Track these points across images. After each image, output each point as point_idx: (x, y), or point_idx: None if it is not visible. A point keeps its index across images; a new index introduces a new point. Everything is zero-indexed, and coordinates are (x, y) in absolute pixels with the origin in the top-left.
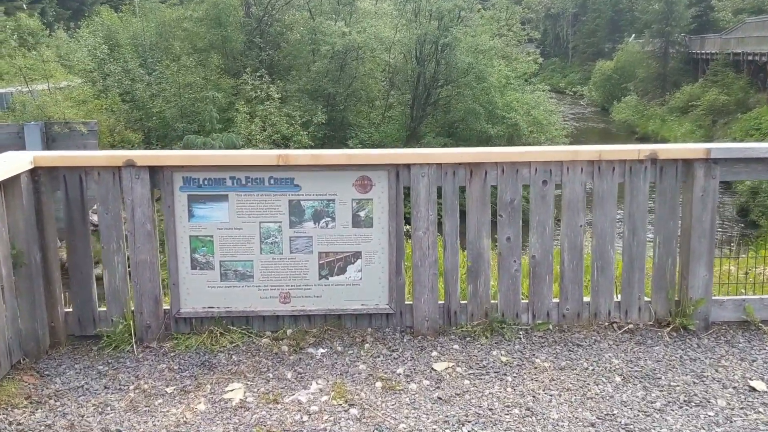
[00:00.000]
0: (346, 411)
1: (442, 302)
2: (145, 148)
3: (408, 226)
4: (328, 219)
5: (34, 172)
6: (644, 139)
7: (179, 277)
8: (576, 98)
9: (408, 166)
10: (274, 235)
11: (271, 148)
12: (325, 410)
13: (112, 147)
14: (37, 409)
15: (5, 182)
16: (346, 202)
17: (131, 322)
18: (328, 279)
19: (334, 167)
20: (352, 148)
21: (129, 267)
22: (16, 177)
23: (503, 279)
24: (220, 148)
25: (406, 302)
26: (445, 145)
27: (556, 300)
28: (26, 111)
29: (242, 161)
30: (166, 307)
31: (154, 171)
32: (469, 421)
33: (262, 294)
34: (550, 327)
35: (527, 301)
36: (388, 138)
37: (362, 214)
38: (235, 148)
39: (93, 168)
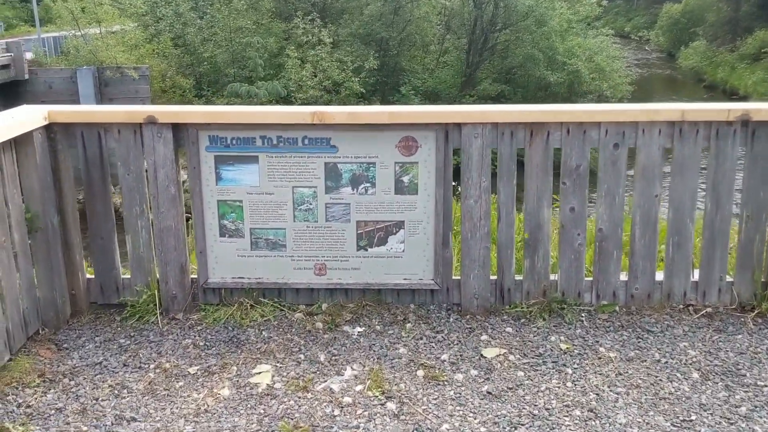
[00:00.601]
0: (382, 405)
1: (494, 278)
2: (196, 94)
3: (457, 193)
4: (368, 184)
5: (49, 129)
6: (712, 87)
7: (207, 245)
8: (641, 43)
9: (459, 125)
10: (309, 201)
11: (321, 95)
12: (359, 403)
13: (164, 92)
14: (49, 389)
15: (17, 140)
16: (389, 166)
17: (156, 292)
18: (367, 250)
19: (375, 127)
20: (404, 94)
21: (153, 233)
22: (29, 134)
23: (565, 253)
24: (264, 97)
25: (454, 277)
26: (501, 93)
27: (624, 278)
28: (79, 55)
29: (273, 119)
30: (193, 276)
31: (178, 129)
32: (522, 424)
33: (296, 265)
34: (617, 309)
35: (591, 278)
36: (443, 84)
37: (406, 179)
38: (279, 97)
39: (112, 125)
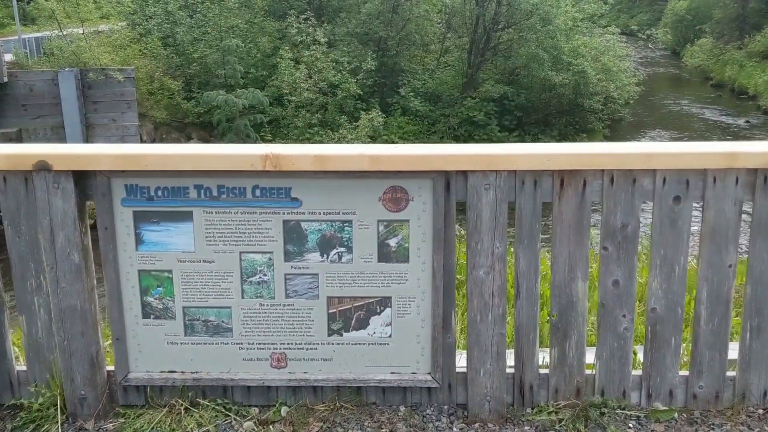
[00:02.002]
0: None
1: (512, 371)
2: (186, 97)
3: (461, 262)
4: (342, 249)
5: None
6: (720, 86)
7: (126, 329)
8: (649, 42)
9: (464, 173)
10: (262, 271)
11: (317, 97)
12: None
13: (151, 95)
14: None
15: None
16: (370, 225)
17: (58, 392)
18: (342, 335)
19: (351, 174)
20: (404, 96)
21: (54, 314)
22: None
23: (605, 340)
24: (244, 107)
25: (458, 370)
26: (504, 94)
27: (685, 373)
28: (62, 56)
29: (212, 163)
30: (110, 369)
31: (84, 177)
32: None
33: (246, 355)
34: (675, 416)
35: (641, 373)
36: (444, 86)
37: (393, 242)
38: (261, 105)
39: None
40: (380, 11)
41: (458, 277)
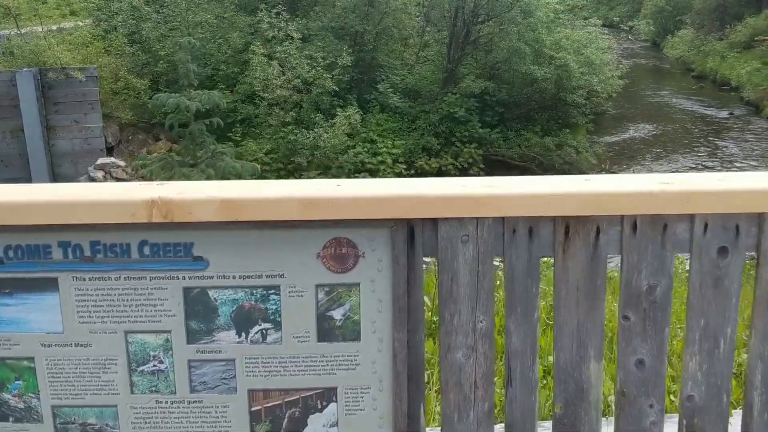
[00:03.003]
0: None
1: None
2: (152, 96)
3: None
4: (268, 325)
5: None
6: (701, 77)
7: None
8: (630, 33)
9: (434, 220)
10: (158, 357)
11: (290, 95)
12: None
13: (115, 94)
14: None
15: None
16: (304, 292)
17: None
18: None
19: (274, 225)
20: (382, 92)
21: None
22: None
23: None
24: (197, 110)
25: None
26: (485, 89)
27: None
28: (20, 56)
29: (79, 214)
30: None
31: None
32: None
33: None
34: None
35: None
36: (423, 81)
37: (338, 314)
38: (218, 108)
39: None
40: (356, 4)
41: (430, 356)
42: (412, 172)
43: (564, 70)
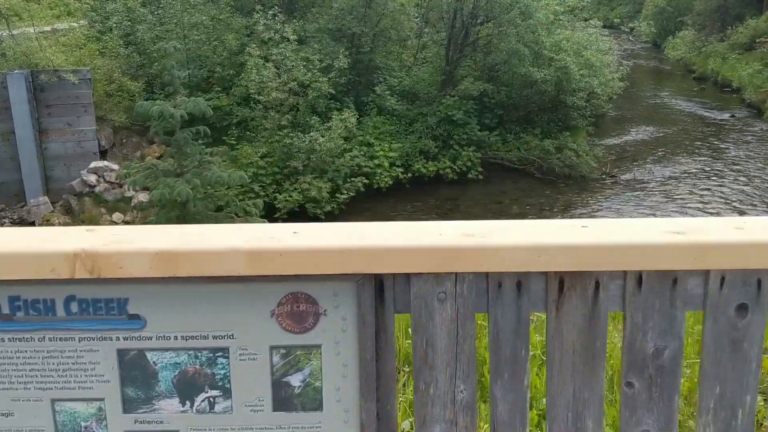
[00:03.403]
0: None
1: None
2: (147, 98)
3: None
4: (216, 393)
5: None
6: (702, 79)
7: None
8: (631, 34)
9: (406, 276)
10: (90, 427)
11: (286, 98)
12: None
13: (109, 97)
14: None
15: None
16: (257, 354)
17: None
18: None
19: (220, 280)
20: (379, 94)
21: None
22: None
23: None
24: (182, 118)
25: None
26: (484, 92)
27: None
28: (12, 58)
29: None
30: None
31: None
32: None
33: None
34: None
35: None
36: (421, 83)
37: (297, 380)
38: (203, 117)
39: None
40: (353, 6)
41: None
42: (410, 175)
43: (564, 72)
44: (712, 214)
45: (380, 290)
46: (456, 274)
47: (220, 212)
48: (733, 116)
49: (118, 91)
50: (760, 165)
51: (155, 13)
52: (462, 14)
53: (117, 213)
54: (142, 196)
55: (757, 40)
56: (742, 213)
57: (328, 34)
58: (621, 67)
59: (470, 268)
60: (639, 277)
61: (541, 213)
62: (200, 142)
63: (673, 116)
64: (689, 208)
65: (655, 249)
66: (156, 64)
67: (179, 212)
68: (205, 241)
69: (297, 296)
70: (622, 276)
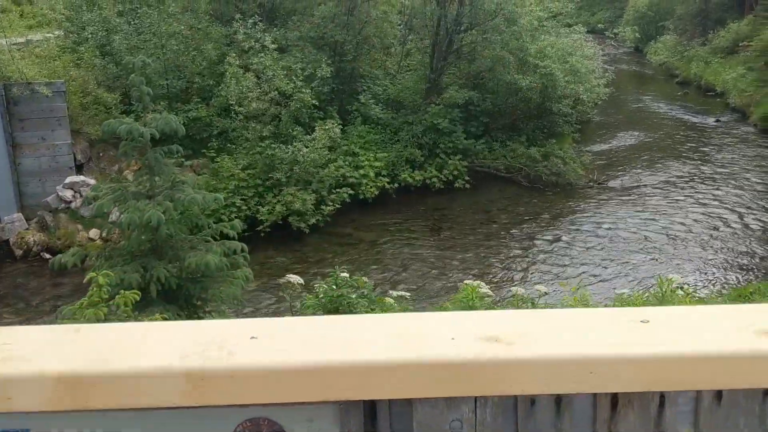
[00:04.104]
0: None
1: None
2: (124, 110)
3: None
4: None
5: None
6: (685, 83)
7: None
8: (613, 39)
9: (409, 402)
10: None
11: (267, 108)
12: None
13: (84, 110)
14: None
15: None
16: None
17: None
18: None
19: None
20: (364, 102)
21: None
22: None
23: None
24: (152, 136)
25: None
26: (469, 100)
27: None
28: None
29: None
30: None
31: None
32: None
33: None
34: None
35: None
36: (406, 91)
37: None
38: (175, 135)
39: None
40: (335, 14)
41: None
42: (396, 185)
43: (549, 78)
44: (705, 219)
45: (372, 417)
46: (476, 398)
47: (196, 234)
48: (718, 121)
49: (94, 103)
50: (749, 168)
51: (132, 23)
52: (446, 21)
53: (94, 229)
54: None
55: (740, 44)
56: (736, 217)
57: (311, 43)
58: (606, 73)
59: (495, 389)
60: (718, 390)
61: (530, 222)
62: (173, 160)
63: (658, 121)
64: (681, 214)
65: (742, 361)
66: (133, 75)
67: (151, 236)
68: (128, 358)
69: (258, 424)
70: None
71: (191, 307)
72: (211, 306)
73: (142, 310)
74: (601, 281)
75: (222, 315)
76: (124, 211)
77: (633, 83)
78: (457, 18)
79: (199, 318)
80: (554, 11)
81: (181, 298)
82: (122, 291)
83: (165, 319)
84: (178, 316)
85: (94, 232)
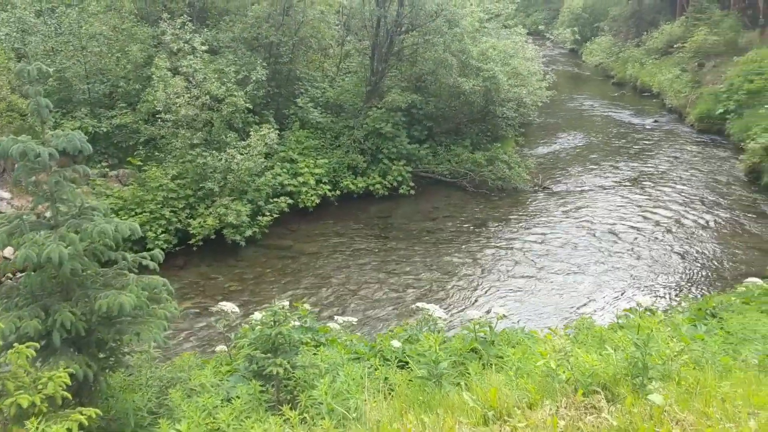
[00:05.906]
0: None
1: None
2: None
3: None
4: None
5: None
6: (621, 84)
7: None
8: (547, 40)
9: None
10: None
11: (197, 114)
12: None
13: None
14: None
15: None
16: None
17: None
18: None
19: None
20: (302, 106)
21: None
22: None
23: None
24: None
25: None
26: (412, 103)
27: None
28: None
29: None
30: None
31: None
32: None
33: None
34: None
35: None
36: (346, 94)
37: None
38: (80, 153)
39: None
40: (270, 14)
41: None
42: (338, 192)
43: (492, 81)
44: (649, 218)
45: None
46: None
47: (108, 268)
48: (656, 121)
49: (7, 110)
50: (689, 167)
51: (49, 23)
52: (386, 22)
53: (9, 248)
54: None
55: (674, 45)
56: (681, 218)
57: (244, 44)
58: (547, 75)
59: None
60: None
61: (477, 230)
62: (76, 188)
63: (598, 123)
64: (626, 215)
65: None
66: (50, 79)
67: (54, 273)
68: None
69: None
70: None
71: (107, 351)
72: (130, 348)
73: (44, 360)
74: (555, 292)
75: (145, 355)
76: (19, 247)
77: (570, 84)
78: (397, 19)
79: (117, 361)
80: (495, 12)
81: (92, 345)
82: (15, 344)
83: (71, 375)
84: (89, 367)
85: (9, 251)
